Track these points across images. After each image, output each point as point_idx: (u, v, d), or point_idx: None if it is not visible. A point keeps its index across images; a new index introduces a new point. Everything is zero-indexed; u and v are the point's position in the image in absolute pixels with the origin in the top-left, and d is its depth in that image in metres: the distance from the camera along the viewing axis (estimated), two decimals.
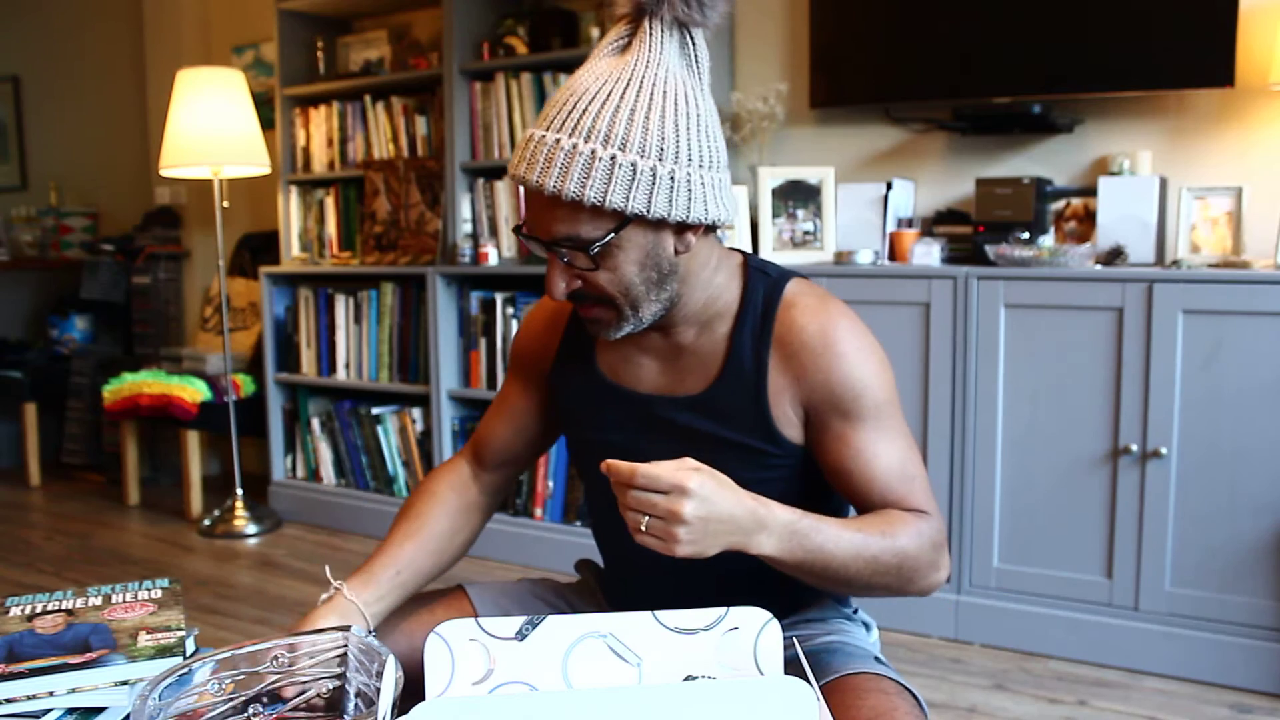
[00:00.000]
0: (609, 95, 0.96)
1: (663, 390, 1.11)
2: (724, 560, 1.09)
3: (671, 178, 0.96)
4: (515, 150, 1.01)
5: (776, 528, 0.92)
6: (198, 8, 4.29)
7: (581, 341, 1.17)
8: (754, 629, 0.76)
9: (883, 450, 1.03)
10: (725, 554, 1.10)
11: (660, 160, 0.96)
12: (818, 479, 1.10)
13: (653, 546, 0.87)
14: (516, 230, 1.04)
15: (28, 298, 4.94)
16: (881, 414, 1.03)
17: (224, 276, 3.53)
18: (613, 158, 0.94)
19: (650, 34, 0.98)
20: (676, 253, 1.01)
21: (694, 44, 1.00)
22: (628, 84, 0.96)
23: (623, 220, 0.96)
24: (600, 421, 1.14)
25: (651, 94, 0.96)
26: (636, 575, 1.17)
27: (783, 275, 1.10)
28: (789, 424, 1.06)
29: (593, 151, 0.94)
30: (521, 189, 1.08)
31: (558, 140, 0.95)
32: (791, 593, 1.13)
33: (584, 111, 0.96)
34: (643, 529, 0.86)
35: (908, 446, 1.05)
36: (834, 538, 0.95)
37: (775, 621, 0.76)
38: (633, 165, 0.94)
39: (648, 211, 0.96)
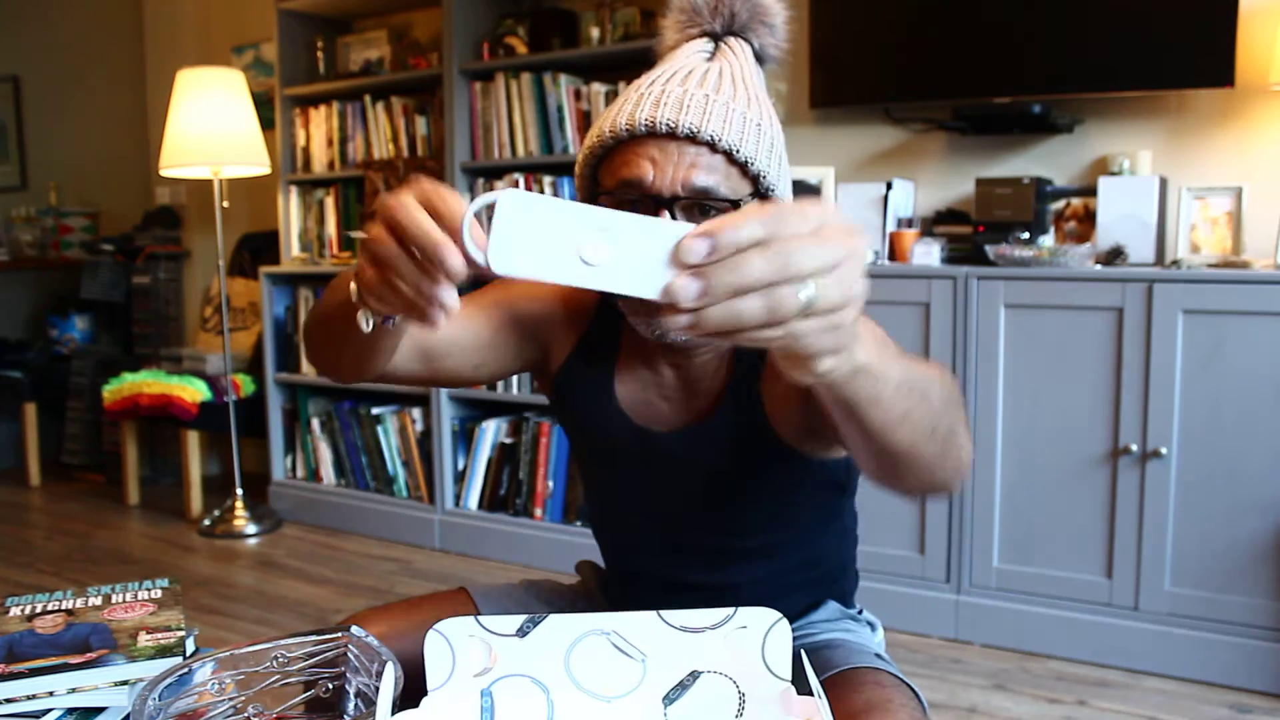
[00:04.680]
0: (723, 77, 0.95)
1: (673, 426, 1.06)
2: (727, 567, 1.09)
3: (785, 164, 0.97)
4: (630, 103, 0.93)
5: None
6: (198, 8, 4.29)
7: (600, 355, 1.10)
8: (762, 628, 0.75)
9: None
10: (729, 560, 1.09)
11: (782, 148, 0.97)
12: (831, 489, 1.09)
13: (812, 341, 0.54)
14: (594, 197, 0.96)
15: (28, 298, 4.94)
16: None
17: (224, 276, 3.53)
18: (757, 124, 0.94)
19: (742, 49, 0.99)
20: None
21: (762, 71, 1.02)
22: (734, 76, 0.96)
23: (756, 188, 0.95)
24: (606, 444, 1.11)
25: (758, 93, 0.97)
26: (640, 581, 1.15)
27: None
28: (792, 431, 1.01)
29: (742, 112, 0.93)
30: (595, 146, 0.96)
31: (706, 95, 0.92)
32: (796, 598, 1.13)
33: (709, 79, 0.94)
34: (802, 298, 0.52)
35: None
36: (898, 347, 0.71)
37: (785, 621, 0.75)
38: (772, 140, 0.95)
39: (778, 186, 0.96)
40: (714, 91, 0.93)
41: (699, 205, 0.92)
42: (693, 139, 0.91)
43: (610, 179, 0.95)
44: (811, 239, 0.52)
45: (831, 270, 0.53)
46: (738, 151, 0.91)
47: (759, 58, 1.01)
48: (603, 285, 0.55)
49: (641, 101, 0.93)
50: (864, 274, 0.54)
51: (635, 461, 1.09)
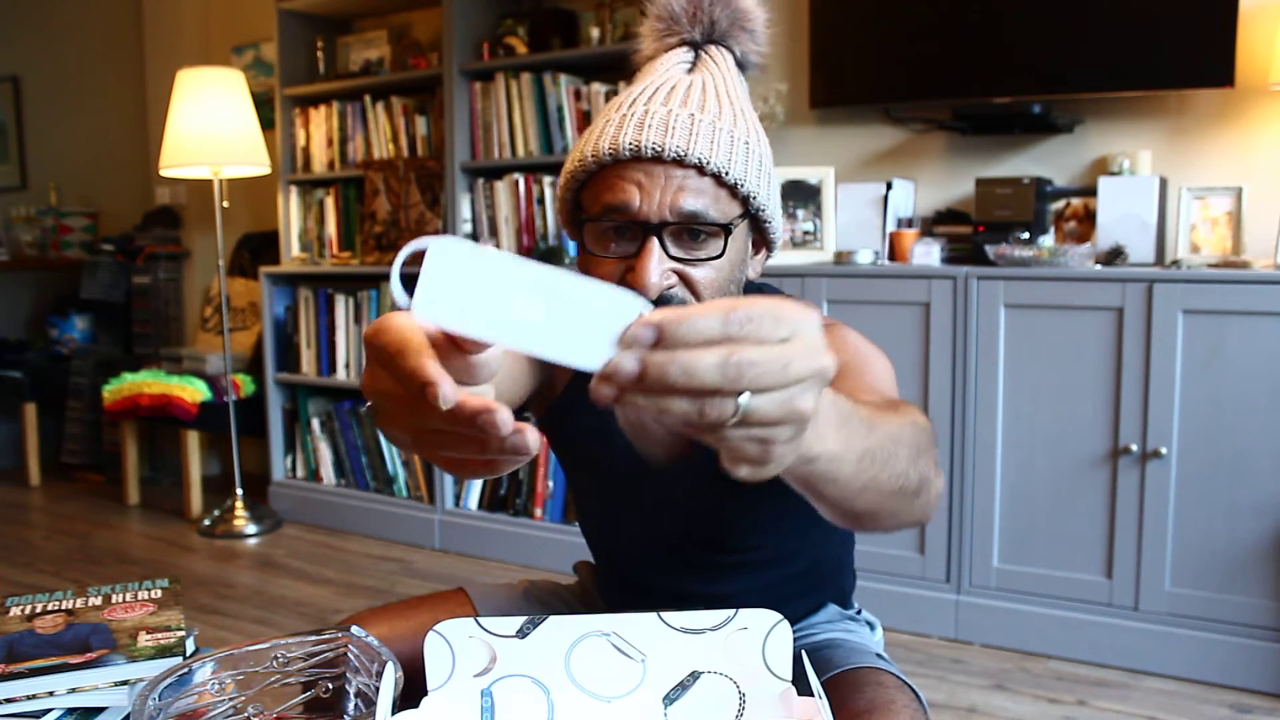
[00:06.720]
0: (706, 92, 0.92)
1: (672, 453, 1.03)
2: (726, 578, 1.08)
3: (773, 180, 0.95)
4: (613, 124, 0.90)
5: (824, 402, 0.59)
6: (198, 8, 4.29)
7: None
8: (763, 629, 0.75)
9: (871, 385, 0.90)
10: (729, 572, 1.08)
11: (770, 164, 0.95)
12: None
13: (735, 447, 0.50)
14: (577, 222, 0.93)
15: (28, 298, 4.94)
16: (882, 380, 0.93)
17: (224, 276, 3.53)
18: (745, 142, 0.91)
19: (724, 58, 0.97)
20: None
21: (744, 79, 1.00)
22: (717, 90, 0.93)
23: (746, 209, 0.92)
24: (607, 464, 1.08)
25: (743, 106, 0.95)
26: (637, 591, 1.14)
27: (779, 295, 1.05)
28: None
29: (729, 131, 0.90)
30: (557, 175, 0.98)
31: (692, 115, 0.89)
32: (796, 604, 1.13)
33: (693, 96, 0.91)
34: (736, 409, 0.47)
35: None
36: (868, 409, 0.69)
37: (785, 622, 0.75)
38: (760, 157, 0.93)
39: (768, 206, 0.93)
40: (699, 110, 0.90)
41: (688, 229, 0.90)
42: (680, 162, 0.88)
43: (594, 204, 0.92)
44: (774, 354, 0.47)
45: (784, 388, 0.47)
46: (727, 173, 0.89)
47: (740, 64, 0.99)
48: (534, 348, 0.49)
49: (625, 123, 0.90)
50: (819, 392, 0.50)
51: (634, 483, 1.07)
